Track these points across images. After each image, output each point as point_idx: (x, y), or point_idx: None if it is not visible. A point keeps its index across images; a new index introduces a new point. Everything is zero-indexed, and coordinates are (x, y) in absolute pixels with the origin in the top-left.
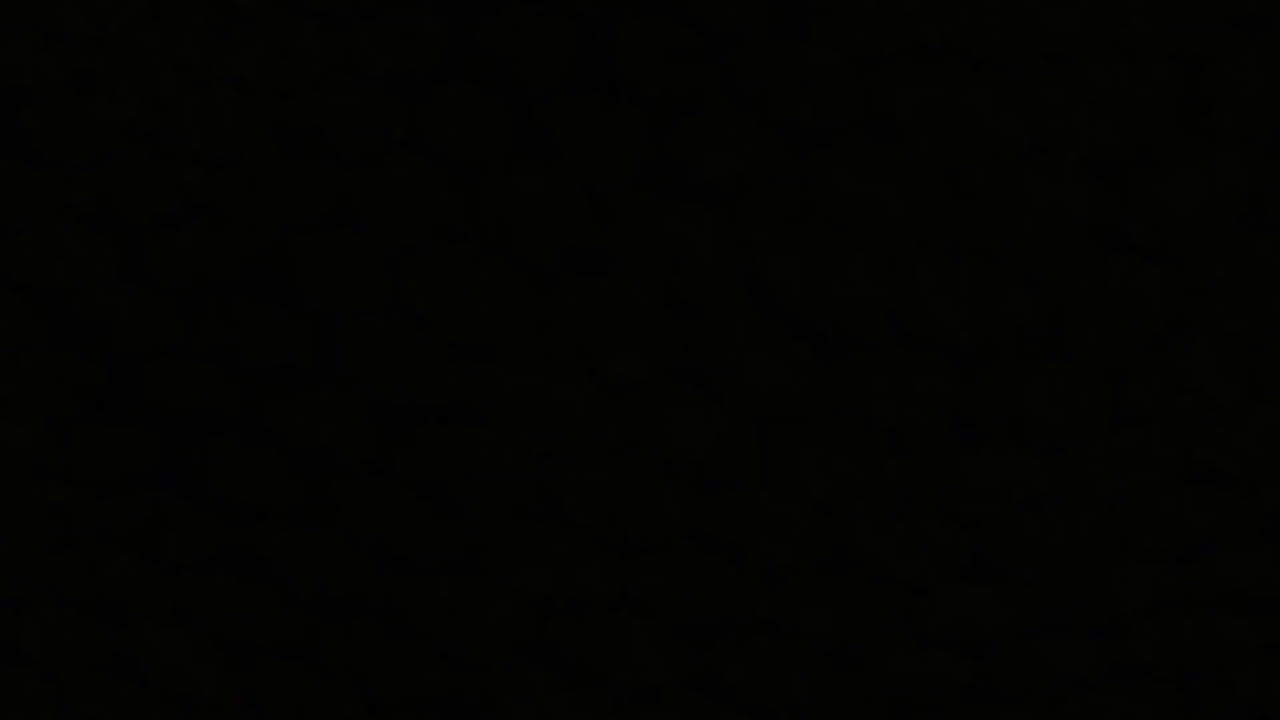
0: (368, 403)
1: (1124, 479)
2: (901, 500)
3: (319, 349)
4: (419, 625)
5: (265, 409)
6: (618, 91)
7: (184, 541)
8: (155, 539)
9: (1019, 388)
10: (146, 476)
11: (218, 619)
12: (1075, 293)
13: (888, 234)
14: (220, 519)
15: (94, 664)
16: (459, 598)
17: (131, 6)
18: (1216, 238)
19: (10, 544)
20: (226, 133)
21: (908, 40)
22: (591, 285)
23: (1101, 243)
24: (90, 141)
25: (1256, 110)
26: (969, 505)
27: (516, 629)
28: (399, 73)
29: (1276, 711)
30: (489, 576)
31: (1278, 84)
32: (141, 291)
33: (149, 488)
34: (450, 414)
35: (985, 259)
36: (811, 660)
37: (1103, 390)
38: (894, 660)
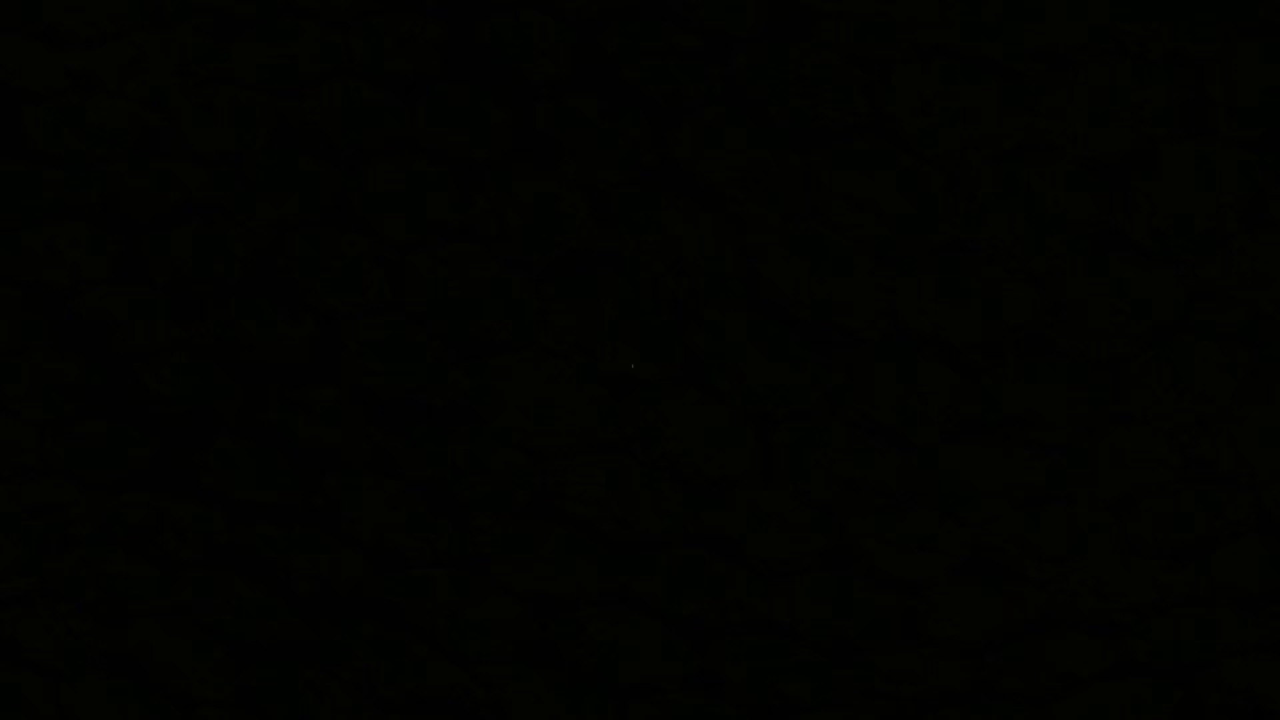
0: (366, 403)
1: (1125, 478)
2: (902, 499)
3: (318, 349)
4: (418, 625)
5: (263, 408)
6: (618, 93)
7: (182, 541)
8: (153, 538)
9: (1020, 388)
10: (144, 476)
11: (216, 618)
12: (1076, 294)
13: (889, 235)
14: (217, 518)
15: (92, 663)
16: (458, 597)
17: (130, 6)
18: (1217, 239)
19: (7, 543)
20: (225, 132)
21: (909, 42)
22: (591, 286)
23: (1103, 244)
24: (88, 141)
25: (1257, 112)
26: (969, 504)
27: (516, 629)
28: (398, 73)
29: (1278, 711)
30: (488, 576)
31: (1278, 86)
32: (139, 291)
33: (147, 487)
34: (449, 414)
35: (986, 260)
36: (811, 659)
37: (1104, 390)
38: (894, 658)
